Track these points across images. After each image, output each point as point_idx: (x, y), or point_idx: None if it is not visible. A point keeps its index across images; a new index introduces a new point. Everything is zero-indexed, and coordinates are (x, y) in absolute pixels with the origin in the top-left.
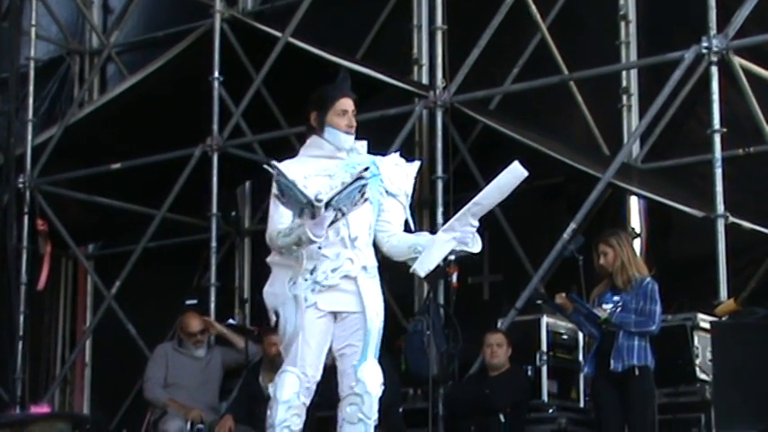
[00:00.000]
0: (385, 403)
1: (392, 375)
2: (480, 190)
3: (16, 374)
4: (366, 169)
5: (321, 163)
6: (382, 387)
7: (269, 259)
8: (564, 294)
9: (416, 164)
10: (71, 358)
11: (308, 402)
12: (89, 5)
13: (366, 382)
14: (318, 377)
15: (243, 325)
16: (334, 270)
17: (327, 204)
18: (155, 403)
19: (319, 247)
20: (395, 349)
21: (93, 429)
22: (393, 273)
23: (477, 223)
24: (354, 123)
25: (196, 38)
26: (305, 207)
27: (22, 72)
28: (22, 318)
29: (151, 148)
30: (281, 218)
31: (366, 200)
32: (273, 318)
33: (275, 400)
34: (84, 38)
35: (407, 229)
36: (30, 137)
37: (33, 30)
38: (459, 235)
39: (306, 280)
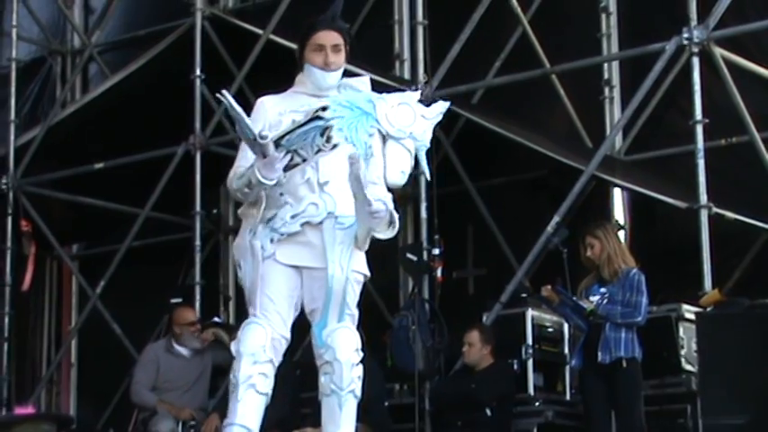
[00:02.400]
0: (370, 398)
1: (378, 371)
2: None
3: (2, 375)
4: (323, 109)
5: (303, 98)
6: (358, 354)
7: (240, 210)
8: (549, 287)
9: (441, 105)
10: (57, 359)
11: (275, 361)
12: (70, 5)
13: (336, 347)
14: (286, 335)
15: (228, 323)
16: (293, 216)
17: (278, 144)
18: (143, 406)
19: (281, 194)
20: (380, 345)
21: (79, 430)
22: (379, 267)
23: (374, 207)
24: (335, 59)
25: (177, 36)
26: (254, 145)
27: (4, 73)
28: (7, 319)
29: (134, 147)
30: (241, 161)
31: (335, 146)
32: (239, 273)
33: (239, 354)
34: (66, 38)
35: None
36: (12, 137)
37: (14, 30)
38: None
39: (264, 227)
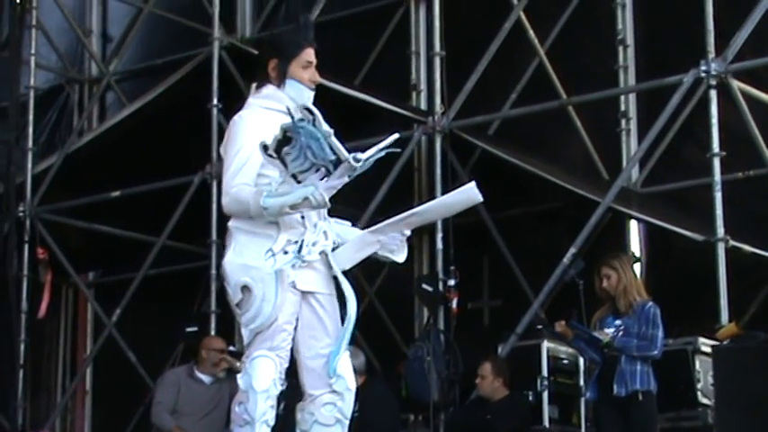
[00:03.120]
0: (385, 429)
1: (393, 401)
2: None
3: (17, 403)
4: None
5: (279, 117)
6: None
7: (232, 224)
8: (563, 322)
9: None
10: (72, 386)
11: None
12: (88, 34)
13: (346, 378)
14: (286, 365)
15: (243, 351)
16: (314, 243)
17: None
18: (160, 428)
19: (302, 216)
20: (395, 375)
21: None
22: (395, 297)
23: (408, 233)
24: (317, 78)
25: (195, 65)
26: (325, 166)
27: (22, 101)
28: (22, 346)
29: (151, 175)
30: (249, 174)
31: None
32: (239, 295)
33: (251, 390)
34: (84, 66)
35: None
36: (30, 165)
37: (33, 59)
38: (386, 240)
39: (286, 253)
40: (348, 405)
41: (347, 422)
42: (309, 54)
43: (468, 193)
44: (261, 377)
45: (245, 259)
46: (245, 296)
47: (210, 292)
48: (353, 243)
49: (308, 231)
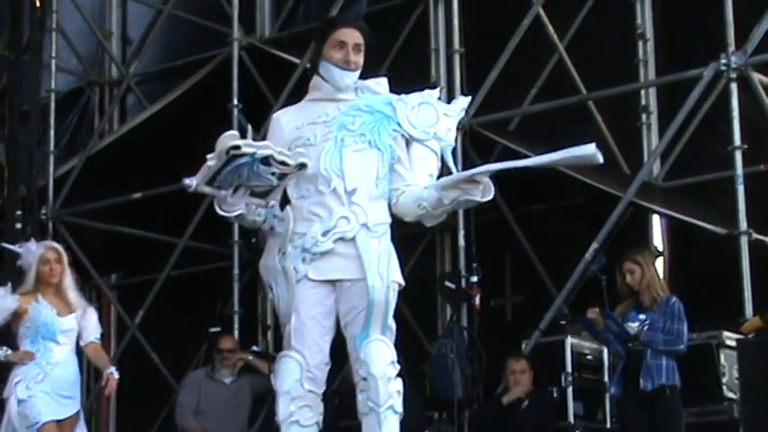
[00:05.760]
0: (409, 427)
1: (417, 399)
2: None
3: None
4: (235, 148)
5: (320, 107)
6: (394, 367)
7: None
8: (597, 309)
9: (462, 100)
10: (96, 388)
11: (317, 390)
12: (108, 36)
13: (370, 362)
14: (325, 360)
15: (267, 351)
16: (325, 233)
17: (212, 182)
18: (185, 429)
19: (271, 206)
20: (419, 373)
21: None
22: (418, 295)
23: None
24: (355, 59)
25: (215, 66)
26: (248, 185)
27: (43, 104)
28: None
29: (172, 176)
30: None
31: (297, 168)
32: (270, 294)
33: (277, 393)
34: (104, 69)
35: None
36: (51, 168)
37: (53, 62)
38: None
39: (295, 248)
40: (377, 392)
41: (382, 410)
42: (342, 33)
43: (584, 151)
44: (283, 378)
45: (267, 260)
46: (274, 297)
47: (233, 292)
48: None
49: (317, 222)
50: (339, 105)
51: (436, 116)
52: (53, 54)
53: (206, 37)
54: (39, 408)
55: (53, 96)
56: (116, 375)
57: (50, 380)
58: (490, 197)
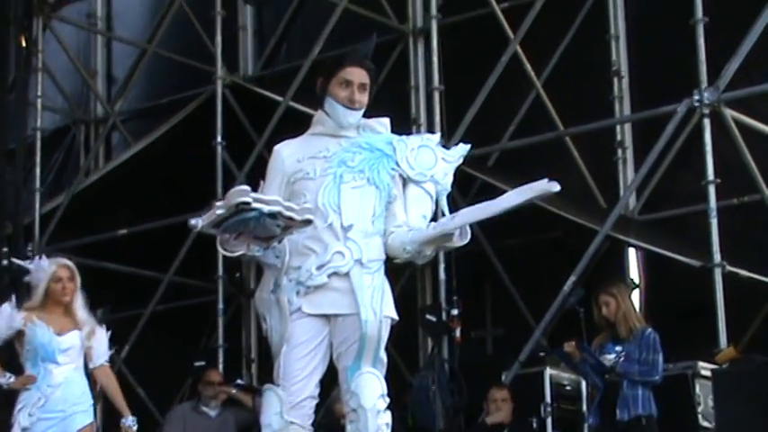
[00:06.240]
0: None
1: (399, 430)
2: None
3: None
4: (246, 203)
5: (322, 142)
6: (384, 400)
7: (264, 257)
8: (573, 343)
9: (461, 148)
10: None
11: (301, 420)
12: (93, 75)
13: (361, 394)
14: (312, 394)
15: (251, 384)
16: (319, 267)
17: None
18: None
19: (273, 245)
20: (401, 404)
21: None
22: (399, 327)
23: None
24: (360, 98)
25: (199, 104)
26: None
27: (29, 142)
28: None
29: (157, 213)
30: None
31: (302, 223)
32: (264, 325)
33: (261, 425)
34: (89, 107)
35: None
36: (38, 205)
37: (39, 101)
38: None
39: (290, 281)
40: (366, 424)
41: None
42: (349, 72)
43: (540, 186)
44: (265, 412)
45: (262, 291)
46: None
47: (218, 326)
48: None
49: (312, 256)
50: (340, 141)
51: (435, 160)
52: (39, 93)
53: (190, 75)
54: None
55: (39, 135)
56: (135, 428)
57: (52, 402)
58: (467, 239)
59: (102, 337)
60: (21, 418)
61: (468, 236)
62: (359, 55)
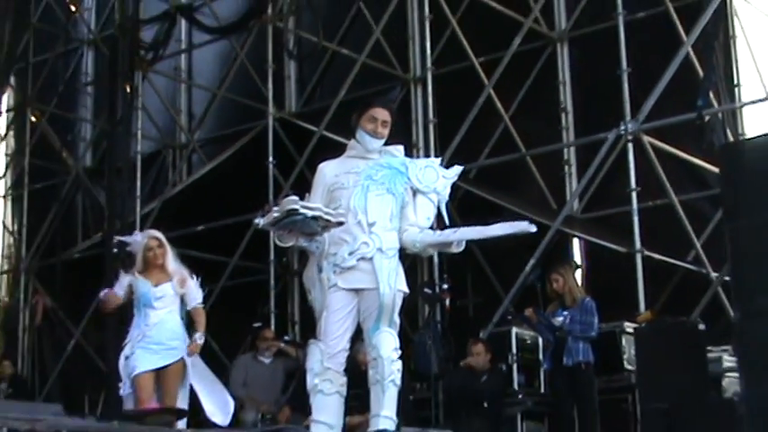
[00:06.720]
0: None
1: (404, 373)
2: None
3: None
4: (294, 210)
5: (354, 162)
6: (396, 352)
7: (309, 246)
8: (531, 309)
9: (457, 168)
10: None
11: (336, 367)
12: (178, 112)
13: (380, 347)
14: (345, 347)
15: (295, 340)
16: (350, 253)
17: (278, 222)
18: (236, 397)
19: (315, 239)
20: (405, 354)
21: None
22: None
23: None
24: (382, 131)
25: (255, 133)
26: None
27: (132, 163)
28: None
29: (225, 213)
30: None
31: (336, 224)
32: (309, 296)
33: (306, 370)
34: (176, 136)
35: (441, 222)
36: (138, 209)
37: (139, 132)
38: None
39: (329, 263)
40: (383, 369)
41: (386, 382)
42: (376, 111)
43: (521, 226)
44: (308, 360)
45: (308, 271)
46: (311, 299)
47: (270, 297)
48: (442, 235)
49: (345, 245)
50: (367, 162)
51: (437, 176)
52: (139, 126)
53: (249, 112)
54: (135, 362)
55: (139, 157)
56: (200, 341)
57: (148, 338)
58: (461, 249)
59: (193, 285)
60: (126, 349)
61: (463, 246)
62: (385, 99)
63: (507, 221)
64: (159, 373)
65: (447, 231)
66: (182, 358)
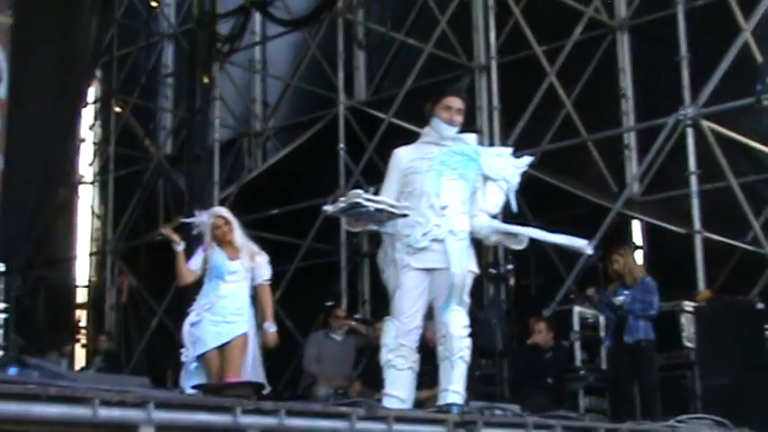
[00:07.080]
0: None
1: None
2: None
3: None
4: (359, 203)
5: (428, 147)
6: (465, 329)
7: (382, 229)
8: (593, 288)
9: (527, 158)
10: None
11: (410, 344)
12: (253, 101)
13: (450, 324)
14: (418, 324)
15: (365, 318)
16: (423, 234)
17: (345, 211)
18: (309, 373)
19: (385, 225)
20: (472, 332)
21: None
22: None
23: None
24: (457, 119)
25: (327, 121)
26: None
27: (210, 149)
28: None
29: (298, 197)
30: (384, 196)
31: (401, 216)
32: (383, 275)
33: (381, 345)
34: (251, 124)
35: (508, 209)
36: (216, 193)
37: (217, 121)
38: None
39: (402, 244)
40: (452, 346)
41: (454, 358)
42: (450, 100)
43: (580, 243)
44: (383, 336)
45: (381, 252)
46: (386, 277)
47: (341, 278)
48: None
49: (418, 227)
50: (441, 148)
51: (506, 165)
52: (216, 115)
53: (321, 101)
54: (203, 338)
55: (217, 144)
56: (272, 330)
57: (215, 309)
58: (523, 247)
59: (260, 261)
60: (192, 315)
61: (524, 245)
62: (457, 88)
63: (570, 235)
64: (223, 347)
65: (514, 226)
66: (245, 333)
